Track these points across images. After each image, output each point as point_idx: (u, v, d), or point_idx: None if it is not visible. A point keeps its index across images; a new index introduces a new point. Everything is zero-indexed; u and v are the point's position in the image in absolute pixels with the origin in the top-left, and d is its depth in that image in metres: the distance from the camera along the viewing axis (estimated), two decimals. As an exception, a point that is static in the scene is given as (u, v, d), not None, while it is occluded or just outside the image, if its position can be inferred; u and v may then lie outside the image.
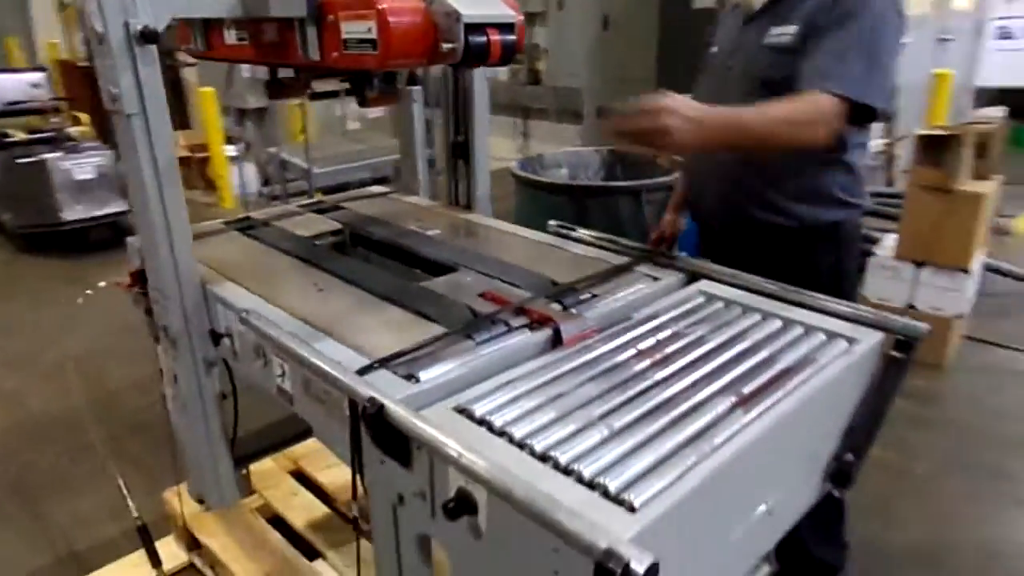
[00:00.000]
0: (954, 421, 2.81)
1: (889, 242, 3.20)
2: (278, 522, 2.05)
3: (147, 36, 1.28)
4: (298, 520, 2.02)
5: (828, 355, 1.20)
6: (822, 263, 1.64)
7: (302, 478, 2.21)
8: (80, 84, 7.11)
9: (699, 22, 4.34)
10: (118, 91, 1.32)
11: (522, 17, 1.38)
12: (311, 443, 2.28)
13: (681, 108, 1.24)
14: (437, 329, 1.28)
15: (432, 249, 1.71)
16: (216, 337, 1.50)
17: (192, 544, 2.06)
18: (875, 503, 2.25)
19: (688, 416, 1.03)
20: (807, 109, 1.38)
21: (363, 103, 1.51)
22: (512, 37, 1.33)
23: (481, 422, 1.03)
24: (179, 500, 1.98)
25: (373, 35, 1.22)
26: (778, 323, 1.32)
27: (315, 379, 1.23)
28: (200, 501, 2.02)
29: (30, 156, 4.64)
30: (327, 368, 1.13)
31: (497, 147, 2.67)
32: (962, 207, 2.97)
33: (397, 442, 1.03)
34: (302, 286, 1.52)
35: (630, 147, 1.30)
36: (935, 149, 2.94)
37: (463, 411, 1.05)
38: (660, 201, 2.68)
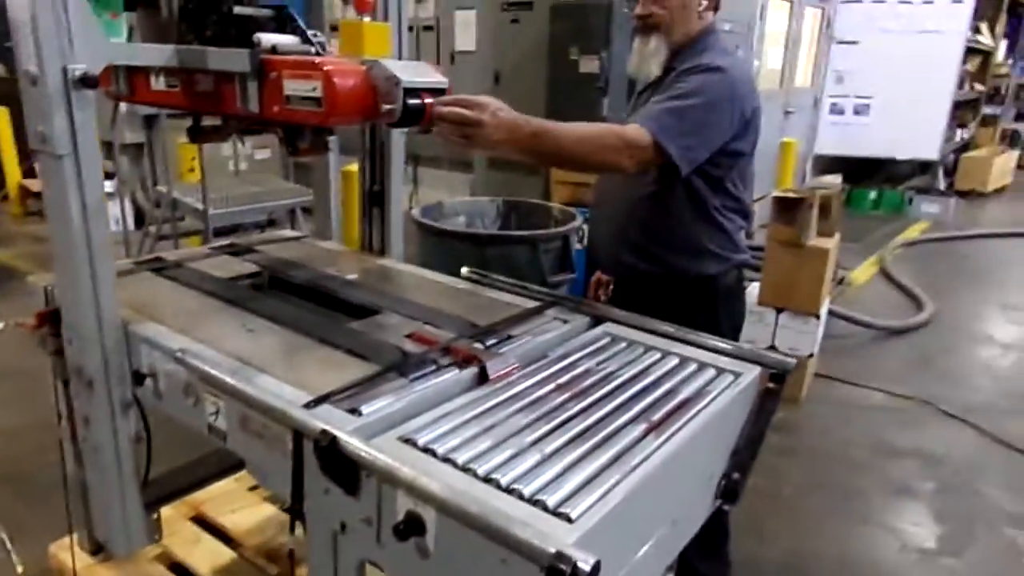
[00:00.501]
0: (811, 449, 3.16)
1: (754, 290, 3.58)
2: (180, 571, 1.99)
3: (86, 81, 1.31)
4: (202, 566, 1.97)
5: (719, 387, 1.39)
6: (697, 314, 1.76)
7: (204, 524, 2.16)
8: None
9: (584, 83, 4.71)
10: (49, 132, 1.33)
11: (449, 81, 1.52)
12: (213, 488, 2.23)
13: (496, 109, 1.41)
14: (370, 367, 1.36)
15: (353, 292, 1.78)
16: (139, 378, 1.50)
17: (82, 600, 1.95)
18: (748, 522, 2.50)
19: (608, 441, 1.18)
20: (610, 135, 1.60)
21: (294, 153, 1.59)
22: (443, 101, 1.46)
23: (425, 450, 1.12)
24: (70, 552, 1.89)
25: (318, 94, 1.32)
26: (675, 360, 1.50)
27: (254, 415, 1.27)
28: (96, 552, 1.93)
29: None
30: (275, 404, 1.18)
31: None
32: (811, 260, 3.39)
33: (346, 471, 1.11)
34: (229, 326, 1.55)
35: (444, 134, 1.43)
36: (788, 210, 3.36)
37: (408, 441, 1.14)
38: (556, 250, 2.88)
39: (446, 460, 1.10)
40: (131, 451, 1.59)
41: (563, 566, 0.85)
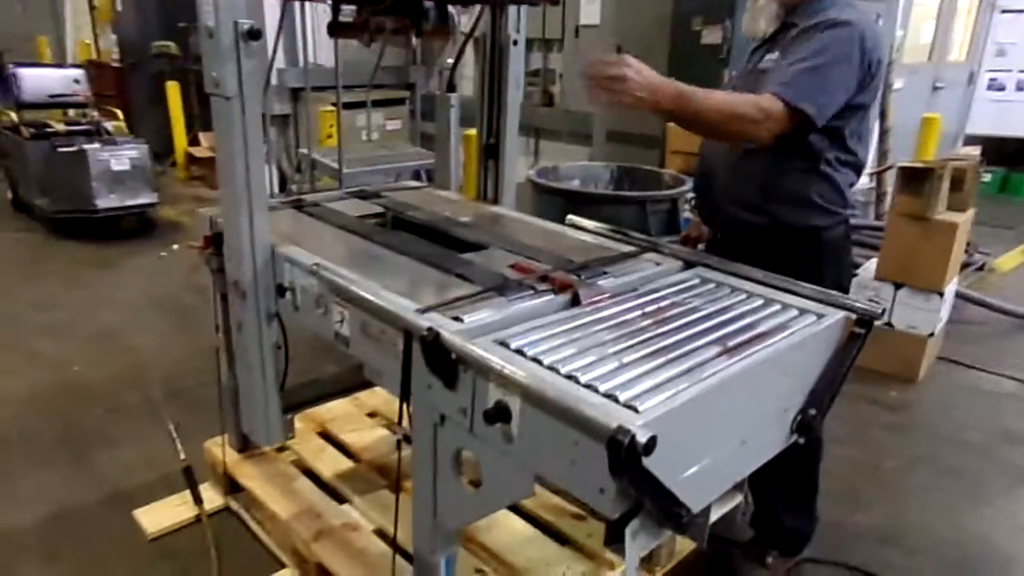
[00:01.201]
0: (921, 427, 3.05)
1: (871, 264, 3.47)
2: (308, 475, 2.28)
3: (252, 34, 1.55)
4: (326, 471, 2.26)
5: (799, 325, 1.45)
6: (802, 267, 1.75)
7: (328, 439, 2.45)
8: (113, 83, 7.42)
9: (706, 55, 4.66)
10: (221, 77, 1.59)
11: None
12: (337, 409, 2.52)
13: (641, 68, 1.49)
14: (475, 289, 1.53)
15: (466, 231, 1.97)
16: (281, 291, 1.75)
17: (228, 490, 2.29)
18: (844, 491, 2.49)
19: (682, 357, 1.28)
20: (748, 105, 1.62)
21: (420, 34, 1.78)
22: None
23: (517, 351, 1.27)
24: (222, 448, 2.22)
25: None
26: (760, 300, 1.57)
27: (373, 321, 1.48)
28: (242, 450, 2.26)
29: (71, 146, 4.90)
30: (390, 308, 1.38)
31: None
32: (937, 234, 3.24)
33: (446, 366, 1.28)
34: (356, 252, 1.78)
35: (592, 90, 1.51)
36: (915, 180, 3.21)
37: (502, 343, 1.30)
38: (664, 212, 2.95)
39: (534, 360, 1.25)
40: (272, 357, 1.86)
41: (621, 437, 0.98)
